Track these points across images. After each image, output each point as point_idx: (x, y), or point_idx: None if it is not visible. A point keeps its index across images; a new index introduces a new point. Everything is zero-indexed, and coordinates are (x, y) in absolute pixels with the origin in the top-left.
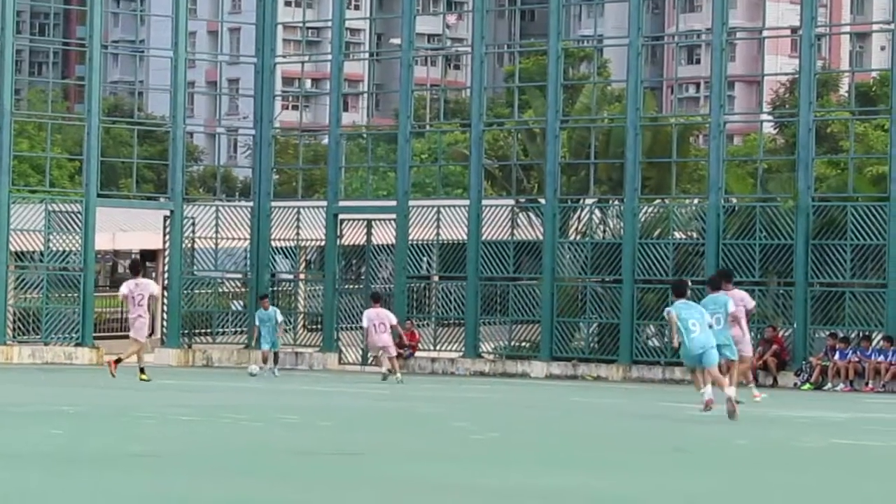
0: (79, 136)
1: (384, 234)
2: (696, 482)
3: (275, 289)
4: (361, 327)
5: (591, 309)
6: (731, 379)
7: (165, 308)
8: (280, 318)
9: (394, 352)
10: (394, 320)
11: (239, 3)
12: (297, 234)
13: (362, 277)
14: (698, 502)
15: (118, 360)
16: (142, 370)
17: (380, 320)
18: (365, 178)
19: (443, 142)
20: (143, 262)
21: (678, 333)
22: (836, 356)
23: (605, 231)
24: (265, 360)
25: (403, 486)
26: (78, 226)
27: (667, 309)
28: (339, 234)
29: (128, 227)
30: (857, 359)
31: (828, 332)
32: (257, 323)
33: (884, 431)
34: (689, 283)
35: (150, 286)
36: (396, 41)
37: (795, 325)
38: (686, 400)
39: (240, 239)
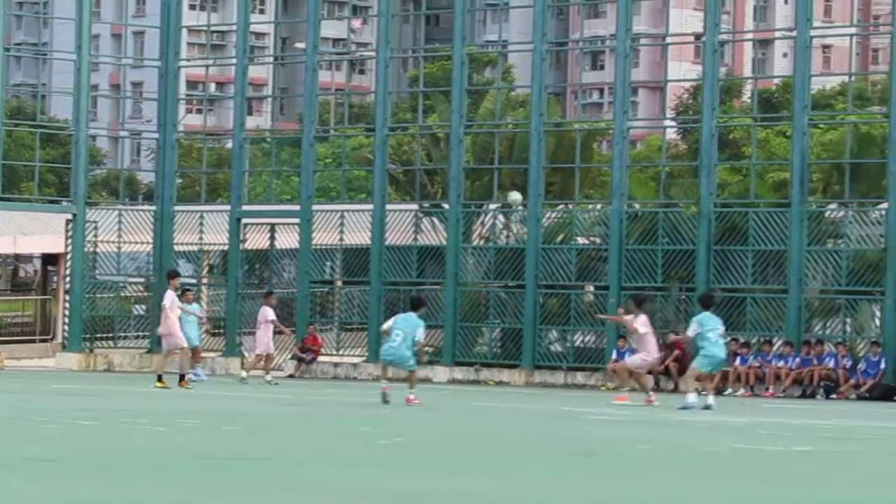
0: None
1: (287, 239)
2: (599, 487)
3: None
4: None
5: (494, 314)
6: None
7: (67, 312)
8: (202, 313)
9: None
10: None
11: (143, 6)
12: (201, 238)
13: (265, 282)
14: None
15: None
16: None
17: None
18: (268, 183)
19: (347, 146)
20: None
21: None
22: (737, 361)
23: (508, 236)
24: (196, 360)
25: (308, 491)
26: None
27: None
28: (242, 238)
29: (29, 231)
30: (757, 364)
31: (729, 338)
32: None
33: (784, 436)
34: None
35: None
36: (301, 45)
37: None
38: (588, 404)
39: (143, 243)
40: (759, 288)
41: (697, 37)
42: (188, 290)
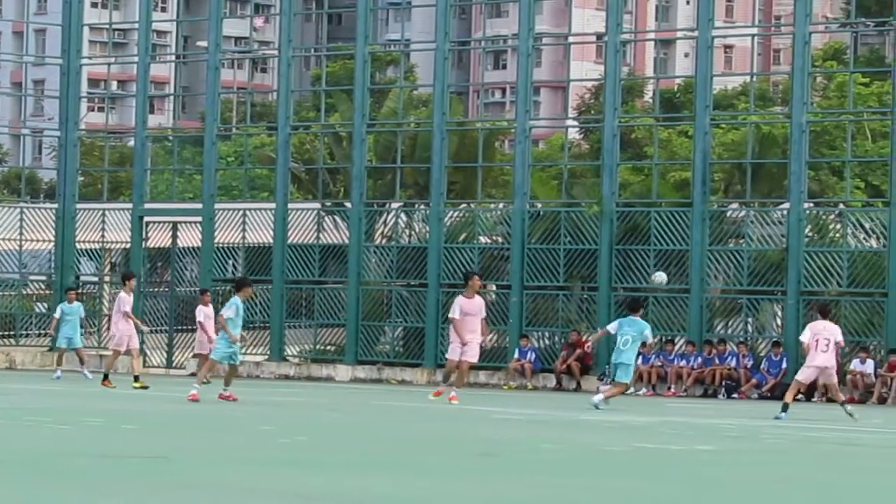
0: None
1: (190, 237)
2: (501, 486)
3: (79, 291)
4: (165, 330)
5: (397, 313)
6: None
7: None
8: (83, 313)
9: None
10: None
11: (45, 4)
12: (102, 236)
13: (167, 280)
14: None
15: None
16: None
17: None
18: (171, 181)
19: (249, 145)
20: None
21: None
22: (640, 360)
23: (410, 235)
24: (61, 362)
25: (207, 490)
26: None
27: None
28: (144, 236)
29: None
30: (659, 363)
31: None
32: (57, 315)
33: (687, 436)
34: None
35: None
36: (203, 44)
37: (599, 330)
38: (490, 403)
39: (44, 241)
40: (661, 287)
41: (599, 36)
42: (71, 289)
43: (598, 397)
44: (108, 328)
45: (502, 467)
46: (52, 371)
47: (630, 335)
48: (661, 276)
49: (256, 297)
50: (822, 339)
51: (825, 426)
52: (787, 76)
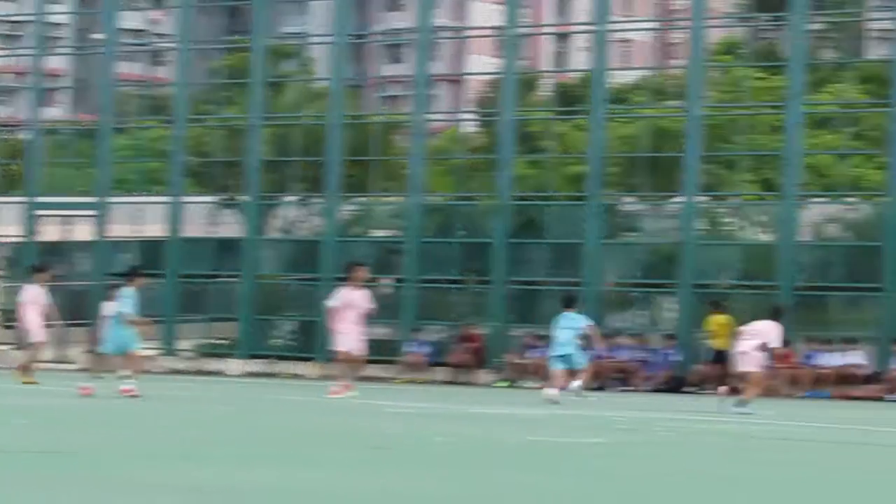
0: None
1: (84, 231)
2: (392, 479)
3: None
4: (58, 324)
5: (290, 307)
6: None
7: None
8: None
9: None
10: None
11: None
12: None
13: (61, 274)
14: (394, 499)
15: None
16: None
17: None
18: (64, 174)
19: (144, 138)
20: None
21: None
22: (533, 354)
23: (304, 229)
24: None
25: (100, 484)
26: None
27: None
28: (37, 230)
29: None
30: None
31: (524, 330)
32: None
33: (579, 427)
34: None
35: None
36: (99, 36)
37: (492, 323)
38: (383, 397)
39: None
40: (555, 281)
41: (497, 30)
42: None
43: (575, 384)
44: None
45: (393, 460)
46: None
47: (568, 329)
48: None
49: (148, 291)
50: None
51: (717, 418)
52: (683, 70)
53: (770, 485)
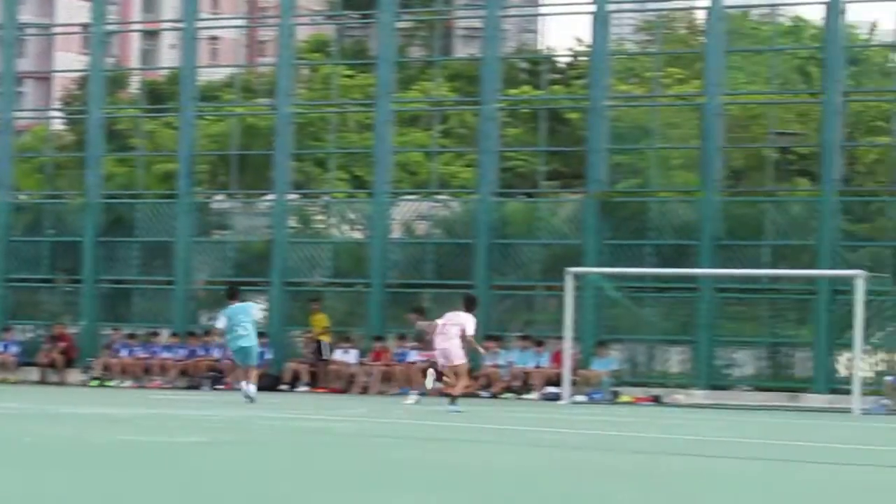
0: None
1: None
2: None
3: None
4: None
5: None
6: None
7: None
8: None
9: None
10: None
11: None
12: None
13: None
14: None
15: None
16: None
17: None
18: None
19: None
20: None
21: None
22: (124, 353)
23: None
24: None
25: None
26: None
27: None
28: None
29: None
30: (145, 355)
31: (115, 329)
32: None
33: (170, 427)
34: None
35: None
36: None
37: (83, 323)
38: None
39: None
40: (146, 279)
41: (85, 27)
42: None
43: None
44: None
45: None
46: None
47: (452, 325)
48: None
49: None
50: (449, 326)
51: (310, 415)
52: (273, 68)
53: (351, 479)
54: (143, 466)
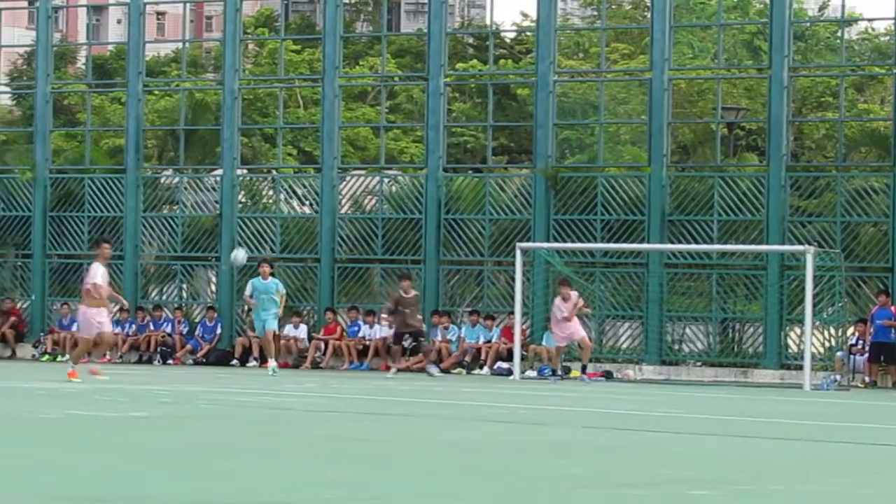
0: None
1: None
2: None
3: None
4: None
5: None
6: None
7: None
8: None
9: None
10: None
11: None
12: None
13: None
14: None
15: None
16: None
17: None
18: None
19: None
20: None
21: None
22: (74, 328)
23: None
24: None
25: None
26: None
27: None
28: None
29: None
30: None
31: (64, 304)
32: None
33: (120, 402)
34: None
35: None
36: None
37: (33, 297)
38: None
39: None
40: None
41: (31, 2)
42: None
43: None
44: None
45: None
46: None
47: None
48: (240, 256)
49: None
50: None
51: (258, 391)
52: (219, 43)
53: (298, 454)
54: (88, 440)
